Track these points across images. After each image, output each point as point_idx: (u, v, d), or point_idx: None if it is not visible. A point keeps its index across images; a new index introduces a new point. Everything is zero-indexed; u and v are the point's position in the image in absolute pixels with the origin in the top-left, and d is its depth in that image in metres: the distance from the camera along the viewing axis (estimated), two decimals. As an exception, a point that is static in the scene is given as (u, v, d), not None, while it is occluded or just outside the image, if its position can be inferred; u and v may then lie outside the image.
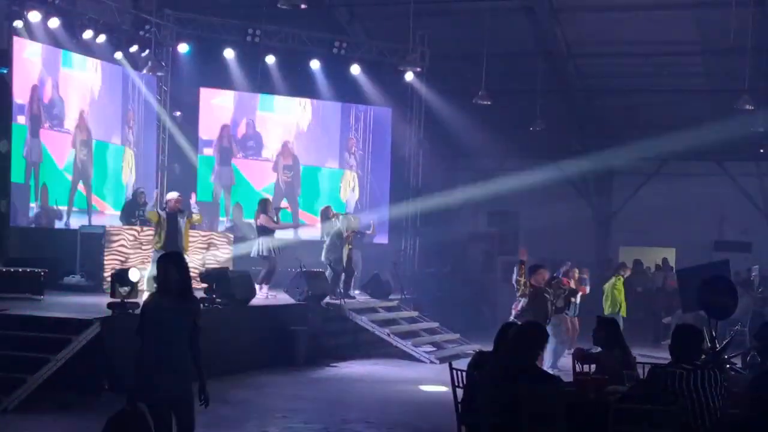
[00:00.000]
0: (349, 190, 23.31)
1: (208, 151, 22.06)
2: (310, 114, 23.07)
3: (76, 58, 18.85)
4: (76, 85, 19.02)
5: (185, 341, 6.88)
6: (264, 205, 17.84)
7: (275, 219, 17.72)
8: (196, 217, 16.30)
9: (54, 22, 17.45)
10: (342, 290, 18.17)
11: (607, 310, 17.62)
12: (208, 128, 22.05)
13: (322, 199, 22.50)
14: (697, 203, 25.61)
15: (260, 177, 22.47)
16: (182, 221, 15.61)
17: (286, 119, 22.81)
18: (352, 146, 23.53)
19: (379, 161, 23.81)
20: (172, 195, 16.08)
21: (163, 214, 15.49)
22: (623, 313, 17.86)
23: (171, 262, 7.00)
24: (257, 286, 16.45)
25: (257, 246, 17.45)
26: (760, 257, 24.45)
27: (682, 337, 6.91)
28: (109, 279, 13.94)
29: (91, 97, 19.44)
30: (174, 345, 6.82)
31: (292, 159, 22.79)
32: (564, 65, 24.50)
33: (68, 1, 18.07)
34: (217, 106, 22.17)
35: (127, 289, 12.92)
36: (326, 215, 19.03)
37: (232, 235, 19.66)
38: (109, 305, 12.68)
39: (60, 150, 18.60)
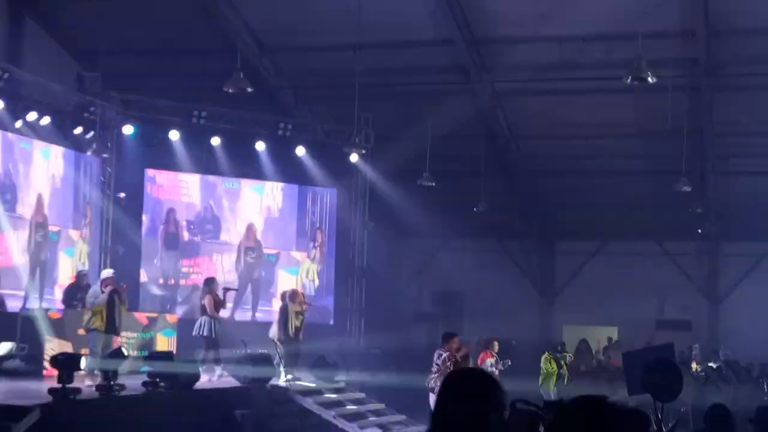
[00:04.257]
0: (306, 279, 23.13)
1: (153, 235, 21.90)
2: (270, 198, 23.06)
3: (34, 142, 18.65)
4: (32, 169, 18.82)
5: None
6: (210, 284, 17.71)
7: (222, 298, 17.60)
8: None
9: (-3, 104, 17.31)
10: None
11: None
12: (156, 211, 21.90)
13: (276, 285, 22.42)
14: (638, 282, 25.90)
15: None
16: (118, 300, 15.50)
17: (247, 202, 22.79)
18: (318, 238, 23.52)
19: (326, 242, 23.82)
20: (108, 272, 15.98)
21: (106, 297, 15.31)
22: (550, 388, 19.41)
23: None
24: (202, 368, 16.29)
25: (199, 325, 17.29)
26: (699, 335, 24.79)
27: (628, 423, 6.95)
28: (49, 363, 13.70)
29: (50, 183, 19.27)
30: None
31: (255, 242, 22.72)
32: (506, 147, 24.83)
33: (11, 82, 17.70)
34: (168, 188, 22.04)
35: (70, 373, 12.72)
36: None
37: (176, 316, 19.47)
38: (50, 391, 12.44)
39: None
